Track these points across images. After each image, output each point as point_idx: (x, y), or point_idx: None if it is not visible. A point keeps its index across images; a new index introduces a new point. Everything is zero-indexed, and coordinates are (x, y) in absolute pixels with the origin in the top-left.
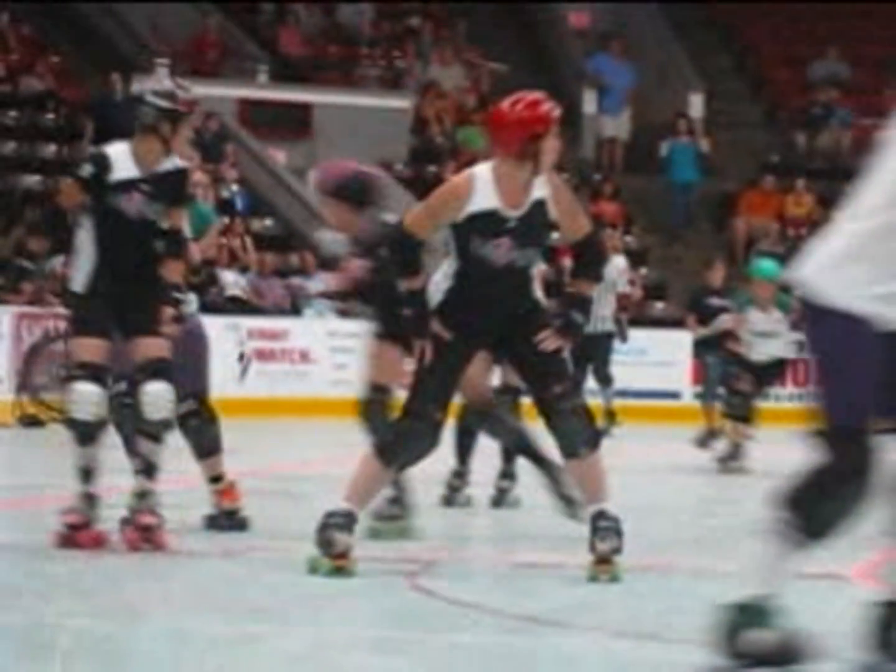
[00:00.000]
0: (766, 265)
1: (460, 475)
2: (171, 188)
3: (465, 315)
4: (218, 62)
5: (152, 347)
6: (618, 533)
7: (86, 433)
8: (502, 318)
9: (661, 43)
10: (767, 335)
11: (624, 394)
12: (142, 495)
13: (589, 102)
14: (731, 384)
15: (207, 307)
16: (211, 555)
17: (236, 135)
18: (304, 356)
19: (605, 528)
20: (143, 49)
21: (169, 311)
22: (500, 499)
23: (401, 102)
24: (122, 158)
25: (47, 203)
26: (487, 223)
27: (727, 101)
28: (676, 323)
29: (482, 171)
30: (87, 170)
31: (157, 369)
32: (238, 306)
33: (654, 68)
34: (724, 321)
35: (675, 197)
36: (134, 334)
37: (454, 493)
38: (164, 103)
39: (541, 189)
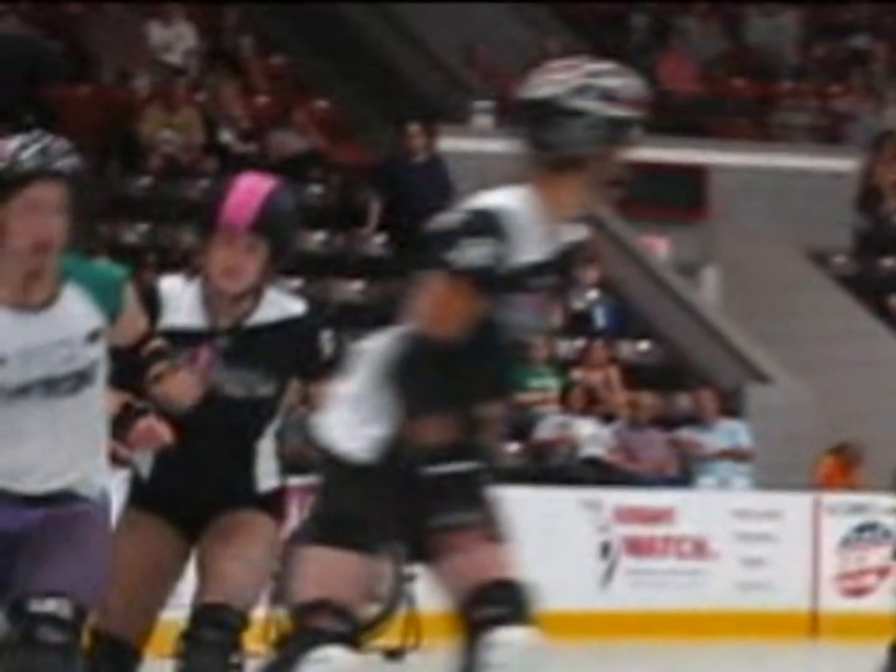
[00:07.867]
0: None
1: None
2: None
3: None
4: None
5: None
6: None
7: None
8: None
9: None
10: None
11: None
12: None
13: None
14: None
15: (551, 474)
16: None
17: (594, 216)
18: (700, 548)
19: None
20: (455, 87)
21: None
22: None
23: (841, 163)
24: (523, 224)
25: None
26: None
27: None
28: None
29: None
30: (480, 254)
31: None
32: (599, 473)
33: None
34: None
35: None
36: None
37: None
38: (616, 111)
39: None
